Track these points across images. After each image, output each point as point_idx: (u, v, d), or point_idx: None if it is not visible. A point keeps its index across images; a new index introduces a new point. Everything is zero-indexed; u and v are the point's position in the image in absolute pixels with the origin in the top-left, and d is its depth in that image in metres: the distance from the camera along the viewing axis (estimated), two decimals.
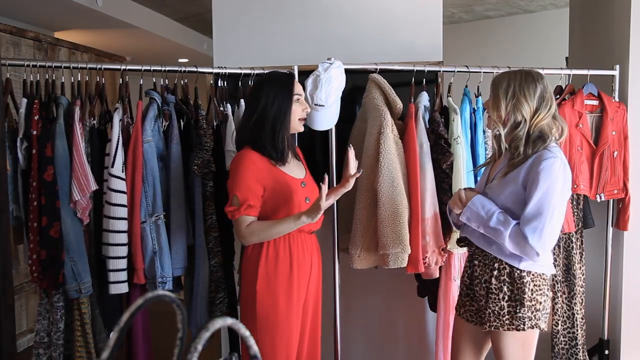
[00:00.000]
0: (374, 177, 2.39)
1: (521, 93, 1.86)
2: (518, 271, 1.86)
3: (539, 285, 1.88)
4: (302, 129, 2.12)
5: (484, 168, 2.15)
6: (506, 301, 1.87)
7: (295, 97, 2.04)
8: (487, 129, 2.53)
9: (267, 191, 1.98)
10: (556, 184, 1.78)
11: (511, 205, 1.86)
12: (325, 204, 1.89)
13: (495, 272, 1.89)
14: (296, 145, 2.25)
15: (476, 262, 1.95)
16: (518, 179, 1.84)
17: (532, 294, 1.86)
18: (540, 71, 2.63)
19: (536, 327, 1.88)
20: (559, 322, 2.81)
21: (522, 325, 1.86)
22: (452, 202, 1.99)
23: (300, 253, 2.04)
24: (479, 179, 2.43)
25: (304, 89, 2.20)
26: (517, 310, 1.86)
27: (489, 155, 2.30)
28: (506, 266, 1.87)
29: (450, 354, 2.15)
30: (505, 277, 1.87)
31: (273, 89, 2.01)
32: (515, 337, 1.89)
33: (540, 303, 1.87)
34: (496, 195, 1.89)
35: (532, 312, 1.86)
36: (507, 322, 1.87)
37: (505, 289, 1.87)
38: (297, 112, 2.06)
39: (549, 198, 1.76)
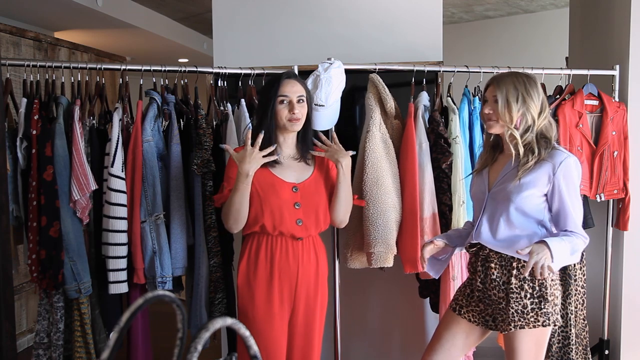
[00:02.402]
0: (361, 176, 2.40)
1: (529, 96, 1.88)
2: None
3: (554, 280, 1.91)
4: (295, 129, 2.04)
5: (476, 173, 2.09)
6: (528, 299, 1.88)
7: (280, 98, 2.00)
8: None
9: (252, 185, 1.99)
10: (576, 180, 1.89)
11: (528, 207, 1.88)
12: (253, 155, 1.92)
13: (515, 272, 1.88)
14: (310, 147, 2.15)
15: (492, 265, 1.92)
16: (537, 183, 1.86)
17: (551, 289, 1.89)
18: (540, 71, 2.66)
19: (557, 321, 1.91)
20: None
21: (547, 321, 1.87)
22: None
23: (284, 258, 2.02)
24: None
25: None
26: (542, 307, 1.87)
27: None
28: (525, 264, 1.87)
29: (429, 345, 2.10)
30: (525, 275, 1.88)
31: (263, 91, 2.08)
32: (532, 335, 1.89)
33: (557, 298, 1.91)
34: (511, 200, 1.88)
35: (552, 307, 1.89)
36: (532, 319, 1.88)
37: (526, 286, 1.88)
38: (283, 112, 2.00)
39: (575, 195, 1.88)
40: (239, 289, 2.06)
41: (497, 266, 1.92)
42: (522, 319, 1.88)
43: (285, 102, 2.01)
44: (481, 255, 1.96)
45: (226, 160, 2.43)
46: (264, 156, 1.96)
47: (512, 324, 1.88)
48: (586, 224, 2.79)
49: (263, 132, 1.98)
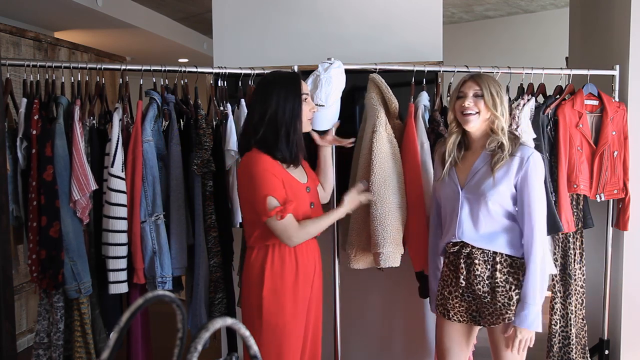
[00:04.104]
0: (368, 177, 2.40)
1: (503, 96, 2.01)
2: (518, 260, 1.96)
3: None
4: (310, 128, 2.10)
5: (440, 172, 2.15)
6: (514, 290, 1.94)
7: (303, 97, 2.01)
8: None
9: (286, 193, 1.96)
10: (541, 174, 1.97)
11: (503, 201, 1.95)
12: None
13: (498, 266, 1.95)
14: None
15: (476, 262, 1.98)
16: (509, 177, 1.94)
17: None
18: (540, 71, 2.67)
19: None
20: (557, 322, 2.81)
21: None
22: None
23: (305, 258, 2.03)
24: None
25: None
26: None
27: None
28: (507, 258, 1.96)
29: (438, 356, 2.18)
30: (508, 269, 1.96)
31: (282, 92, 1.96)
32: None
33: None
34: (488, 196, 1.95)
35: None
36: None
37: (511, 279, 1.94)
38: (306, 112, 2.03)
39: (540, 188, 1.96)
40: (265, 300, 1.95)
41: (481, 262, 1.97)
42: (509, 311, 1.93)
43: (306, 101, 2.04)
44: (463, 252, 2.01)
45: (226, 160, 2.43)
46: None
47: (500, 317, 1.94)
48: (586, 224, 2.79)
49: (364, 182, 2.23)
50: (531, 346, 1.94)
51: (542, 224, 1.93)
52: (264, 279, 1.96)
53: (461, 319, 2.05)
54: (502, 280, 1.94)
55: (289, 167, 2.01)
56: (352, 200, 2.12)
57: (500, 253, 1.95)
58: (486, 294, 1.96)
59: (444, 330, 2.12)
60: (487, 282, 1.96)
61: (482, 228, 1.97)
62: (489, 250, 1.96)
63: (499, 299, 1.94)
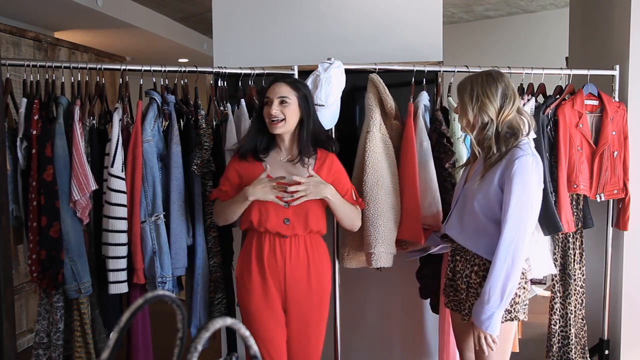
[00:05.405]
0: (362, 177, 2.40)
1: (484, 95, 1.91)
2: None
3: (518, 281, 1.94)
4: (275, 131, 2.06)
5: (462, 170, 2.19)
6: None
7: (265, 100, 2.08)
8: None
9: (243, 186, 2.08)
10: (531, 182, 1.84)
11: (490, 205, 1.91)
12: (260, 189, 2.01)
13: (475, 268, 1.96)
14: (313, 150, 2.14)
15: (458, 258, 2.03)
16: (494, 180, 1.89)
17: None
18: (540, 71, 2.67)
19: (515, 319, 1.94)
20: (557, 322, 2.81)
21: (502, 318, 1.90)
22: None
23: (271, 255, 2.07)
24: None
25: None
26: None
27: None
28: (486, 262, 1.92)
29: (457, 346, 2.21)
30: (484, 273, 1.91)
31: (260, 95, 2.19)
32: None
33: (519, 296, 1.93)
34: (474, 196, 1.94)
35: (511, 305, 1.91)
36: None
37: (484, 283, 1.91)
38: (265, 113, 2.07)
39: (523, 194, 1.83)
40: (237, 283, 2.18)
41: (462, 259, 2.01)
42: None
43: (268, 103, 2.06)
44: (451, 247, 2.08)
45: (226, 161, 2.43)
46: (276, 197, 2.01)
47: (469, 316, 1.96)
48: (586, 224, 2.79)
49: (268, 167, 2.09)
50: (493, 350, 1.86)
51: (516, 228, 1.81)
52: (237, 262, 2.20)
53: (454, 308, 2.10)
54: (476, 282, 1.94)
55: (255, 162, 2.12)
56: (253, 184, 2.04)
57: (480, 256, 1.94)
58: (462, 291, 2.00)
59: (452, 318, 2.20)
60: (465, 279, 1.99)
61: (465, 226, 1.98)
62: (470, 251, 1.97)
63: (470, 298, 1.96)
